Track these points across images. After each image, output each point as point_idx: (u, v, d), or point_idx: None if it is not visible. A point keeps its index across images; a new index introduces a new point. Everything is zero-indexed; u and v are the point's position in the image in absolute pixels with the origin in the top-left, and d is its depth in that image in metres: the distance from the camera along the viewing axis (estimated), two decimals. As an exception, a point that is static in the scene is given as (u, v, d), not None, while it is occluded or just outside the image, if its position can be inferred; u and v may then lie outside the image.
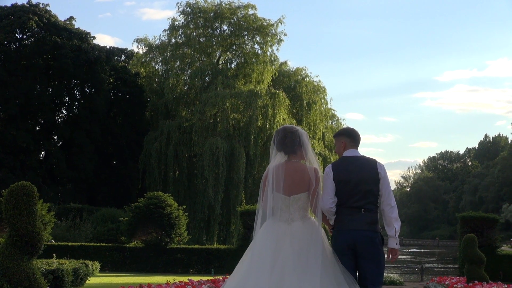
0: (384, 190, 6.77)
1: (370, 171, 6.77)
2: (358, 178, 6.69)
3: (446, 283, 17.58)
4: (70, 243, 28.56)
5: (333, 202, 6.66)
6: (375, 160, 6.92)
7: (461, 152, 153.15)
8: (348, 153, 6.95)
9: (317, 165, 6.77)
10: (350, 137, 7.07)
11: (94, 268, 19.65)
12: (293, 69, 50.42)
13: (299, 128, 6.92)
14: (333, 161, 40.56)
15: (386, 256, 6.79)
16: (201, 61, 47.20)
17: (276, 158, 6.73)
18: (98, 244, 28.79)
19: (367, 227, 6.56)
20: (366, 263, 6.57)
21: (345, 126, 52.73)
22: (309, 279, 6.19)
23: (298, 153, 6.74)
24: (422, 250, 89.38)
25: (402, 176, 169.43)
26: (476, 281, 16.08)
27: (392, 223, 6.68)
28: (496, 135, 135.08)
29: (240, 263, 6.63)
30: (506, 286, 15.65)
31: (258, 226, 6.73)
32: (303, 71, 49.64)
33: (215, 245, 33.07)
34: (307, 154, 6.69)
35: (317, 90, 48.51)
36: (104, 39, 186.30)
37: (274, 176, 6.58)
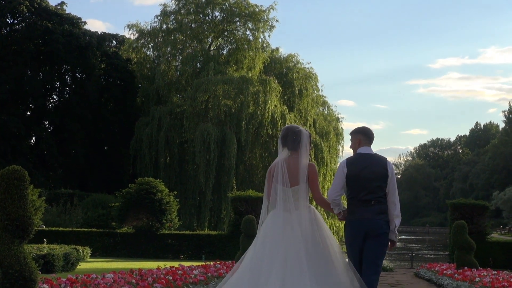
0: (391, 188, 7.36)
1: (381, 168, 7.34)
2: (369, 175, 7.26)
3: (436, 269, 17.68)
4: (61, 229, 28.57)
5: (338, 195, 7.30)
6: (386, 158, 7.52)
7: (452, 139, 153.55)
8: (362, 150, 7.52)
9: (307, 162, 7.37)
10: (366, 135, 7.63)
11: (85, 253, 19.68)
12: (284, 56, 50.38)
13: (302, 128, 7.48)
14: (324, 148, 40.61)
15: None
16: (192, 47, 47.10)
17: (282, 153, 7.36)
18: (89, 229, 28.79)
19: (376, 216, 7.17)
20: (373, 244, 7.17)
21: (336, 113, 52.96)
22: (309, 262, 6.76)
23: (298, 151, 7.33)
24: (413, 237, 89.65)
25: (393, 163, 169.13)
26: (465, 268, 16.17)
27: (394, 219, 7.31)
28: (487, 123, 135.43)
29: (248, 251, 7.21)
30: (496, 272, 15.74)
31: (264, 215, 7.27)
32: (295, 57, 49.61)
33: (206, 231, 33.09)
34: (301, 154, 7.27)
35: (309, 76, 48.45)
36: (95, 25, 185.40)
37: (278, 170, 7.22)
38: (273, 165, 7.35)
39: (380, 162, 7.41)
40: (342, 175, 7.30)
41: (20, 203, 7.76)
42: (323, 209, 20.56)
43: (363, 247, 7.20)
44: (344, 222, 7.46)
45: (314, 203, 8.22)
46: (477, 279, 13.33)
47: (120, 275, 11.15)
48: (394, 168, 7.52)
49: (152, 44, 48.74)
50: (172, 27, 47.12)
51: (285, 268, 6.72)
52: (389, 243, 7.37)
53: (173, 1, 47.14)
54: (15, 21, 47.46)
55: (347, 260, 7.14)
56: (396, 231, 7.37)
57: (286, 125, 39.17)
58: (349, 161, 7.42)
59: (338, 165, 7.74)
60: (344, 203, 7.53)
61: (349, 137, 7.77)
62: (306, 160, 7.30)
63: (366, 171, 7.26)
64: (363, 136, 7.60)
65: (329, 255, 6.97)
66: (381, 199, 7.24)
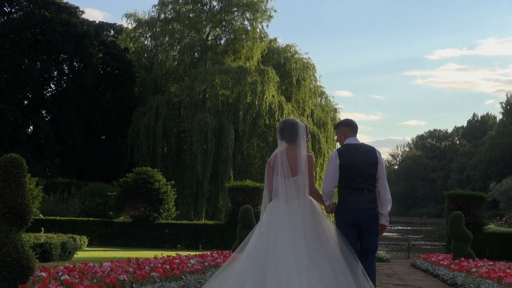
0: (381, 173, 7.59)
1: (371, 157, 7.60)
2: (361, 163, 7.51)
3: (433, 260, 17.73)
4: (58, 218, 28.58)
5: (333, 187, 7.51)
6: (374, 147, 7.76)
7: (450, 130, 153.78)
8: (349, 140, 7.76)
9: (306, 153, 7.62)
10: (350, 126, 7.87)
11: (82, 242, 19.71)
12: (282, 46, 50.29)
13: (298, 121, 7.72)
14: (321, 138, 40.61)
15: None
16: (190, 37, 47.02)
17: (281, 146, 7.60)
18: (86, 218, 28.80)
19: (369, 205, 7.46)
20: (369, 236, 7.48)
21: (334, 103, 53.06)
22: (308, 250, 7.02)
23: (296, 142, 7.56)
24: (409, 227, 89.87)
25: (390, 154, 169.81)
26: (462, 258, 16.20)
27: (386, 203, 7.55)
28: (485, 114, 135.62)
29: (248, 238, 7.48)
30: (492, 263, 15.78)
31: (264, 206, 7.57)
32: (293, 48, 49.53)
33: (203, 221, 33.10)
34: (299, 145, 7.50)
35: (307, 67, 48.37)
36: (93, 14, 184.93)
37: (277, 162, 7.47)
38: (272, 157, 7.58)
39: (370, 150, 7.68)
40: (335, 166, 7.51)
41: (18, 191, 7.77)
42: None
43: (358, 235, 7.47)
44: (335, 211, 7.63)
45: None
46: (474, 269, 13.36)
47: (117, 263, 11.18)
48: (382, 155, 7.80)
49: (150, 34, 48.67)
50: (170, 16, 47.03)
51: (288, 256, 6.92)
52: (380, 228, 7.61)
53: (171, -9, 47.06)
54: (13, 10, 47.39)
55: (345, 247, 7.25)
56: (388, 216, 7.62)
57: (284, 116, 39.19)
58: (340, 152, 7.66)
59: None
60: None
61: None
62: (305, 151, 7.51)
63: (359, 160, 7.52)
64: (347, 127, 7.86)
65: (329, 242, 7.23)
66: (372, 188, 7.51)
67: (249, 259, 7.17)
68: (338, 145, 8.35)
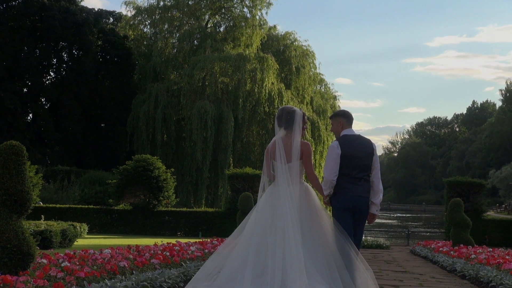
0: (376, 164, 7.98)
1: (368, 148, 7.96)
2: (360, 154, 7.86)
3: (432, 247, 17.78)
4: (58, 205, 28.63)
5: (336, 175, 7.75)
6: (369, 139, 8.13)
7: (449, 118, 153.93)
8: (347, 132, 8.07)
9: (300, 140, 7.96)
10: (347, 117, 8.16)
11: (82, 229, 19.74)
12: (282, 33, 50.18)
13: (296, 108, 8.03)
14: (321, 125, 40.64)
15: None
16: (189, 24, 46.92)
17: (279, 133, 7.91)
18: (86, 206, 28.84)
19: (365, 194, 7.86)
20: (360, 223, 7.94)
21: (333, 91, 53.08)
22: (303, 233, 7.40)
23: (292, 130, 7.87)
24: (409, 215, 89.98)
25: (390, 142, 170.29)
26: (461, 245, 16.25)
27: (378, 193, 7.94)
28: (484, 101, 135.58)
29: (245, 220, 7.86)
30: (491, 250, 15.82)
31: (261, 190, 7.88)
32: (292, 35, 49.39)
33: (203, 208, 33.14)
34: (294, 132, 7.82)
35: (306, 54, 48.28)
36: (92, 1, 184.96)
37: (276, 148, 7.82)
38: (271, 144, 7.94)
39: (367, 142, 8.05)
40: (337, 156, 7.79)
41: (18, 178, 7.78)
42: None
43: (353, 221, 7.85)
44: (331, 197, 7.91)
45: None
46: (473, 256, 13.41)
47: (117, 250, 11.20)
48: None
49: (149, 21, 48.61)
50: (169, 4, 46.91)
51: (285, 237, 7.26)
52: (371, 217, 8.01)
53: (170, -22, 46.93)
54: (12, -2, 47.25)
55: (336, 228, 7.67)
56: (379, 205, 8.00)
57: (283, 103, 39.21)
58: (341, 142, 7.92)
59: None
60: None
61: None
62: (299, 138, 7.84)
63: (358, 151, 7.86)
64: (345, 119, 8.14)
65: (322, 227, 7.63)
66: (368, 178, 7.89)
67: (248, 242, 7.49)
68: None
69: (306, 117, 8.08)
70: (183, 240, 15.26)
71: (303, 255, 7.12)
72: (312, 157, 8.21)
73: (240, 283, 7.08)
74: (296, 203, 7.56)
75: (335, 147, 7.84)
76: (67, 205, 29.03)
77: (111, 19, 55.94)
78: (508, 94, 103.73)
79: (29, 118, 48.39)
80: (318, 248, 7.39)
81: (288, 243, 7.21)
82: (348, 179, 7.78)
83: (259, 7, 45.95)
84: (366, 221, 8.07)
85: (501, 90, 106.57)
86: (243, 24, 45.73)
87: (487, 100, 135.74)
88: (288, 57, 46.71)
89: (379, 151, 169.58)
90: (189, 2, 46.90)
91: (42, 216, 20.40)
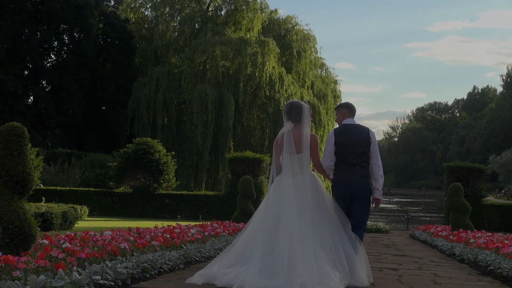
0: (374, 152, 8.43)
1: (364, 136, 8.42)
2: (355, 141, 8.36)
3: (431, 231, 17.83)
4: (59, 188, 28.71)
5: (331, 161, 8.42)
6: (368, 127, 8.59)
7: (450, 103, 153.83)
8: (347, 121, 8.60)
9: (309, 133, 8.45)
10: (349, 108, 8.73)
11: (82, 212, 19.78)
12: (283, 17, 50.06)
13: (303, 103, 8.52)
14: (322, 110, 40.74)
15: (371, 204, 8.62)
16: (191, 8, 46.80)
17: (287, 125, 8.39)
18: (87, 189, 28.93)
19: (360, 179, 8.30)
20: (358, 204, 8.31)
21: (334, 75, 53.00)
22: (311, 217, 7.89)
23: (301, 123, 8.35)
24: (409, 199, 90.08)
25: (390, 126, 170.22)
26: (461, 229, 16.30)
27: (378, 179, 8.45)
28: (485, 87, 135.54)
29: (258, 209, 8.36)
30: (490, 234, 15.87)
31: (271, 180, 8.38)
32: (293, 19, 49.32)
33: (203, 191, 33.19)
34: (304, 125, 8.30)
35: (307, 38, 48.21)
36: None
37: (285, 140, 8.25)
38: (279, 136, 8.41)
39: (363, 130, 8.50)
40: (332, 143, 8.43)
41: (19, 159, 7.81)
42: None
43: (350, 206, 8.30)
44: (332, 184, 8.55)
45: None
46: (472, 240, 13.45)
47: (118, 232, 11.25)
48: (375, 135, 8.74)
49: (150, 4, 48.51)
50: (170, -14, 46.81)
51: (294, 223, 7.70)
52: (375, 201, 8.55)
53: (171, -40, 46.78)
54: (13, -20, 47.12)
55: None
56: (381, 190, 8.50)
57: (284, 87, 39.21)
58: (337, 131, 8.57)
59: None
60: None
61: (347, 99, 8.63)
62: (308, 130, 8.36)
63: (352, 139, 8.36)
64: (346, 109, 8.70)
65: (328, 211, 8.12)
66: (365, 164, 8.36)
67: (258, 227, 7.98)
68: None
69: (311, 111, 8.59)
70: (183, 223, 15.31)
71: (311, 235, 7.62)
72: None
73: (249, 263, 7.43)
74: (308, 189, 8.03)
75: (330, 135, 8.50)
76: (68, 188, 29.11)
77: (112, 2, 55.84)
78: (509, 80, 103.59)
79: (30, 100, 48.37)
80: (324, 231, 7.81)
81: (295, 228, 7.62)
82: (343, 166, 8.34)
83: (260, -10, 45.89)
84: (373, 206, 8.55)
85: (502, 76, 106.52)
86: (244, 7, 45.63)
87: (488, 86, 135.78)
88: (289, 41, 46.66)
89: (379, 136, 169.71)
90: (190, -15, 46.80)
91: (43, 198, 20.48)
